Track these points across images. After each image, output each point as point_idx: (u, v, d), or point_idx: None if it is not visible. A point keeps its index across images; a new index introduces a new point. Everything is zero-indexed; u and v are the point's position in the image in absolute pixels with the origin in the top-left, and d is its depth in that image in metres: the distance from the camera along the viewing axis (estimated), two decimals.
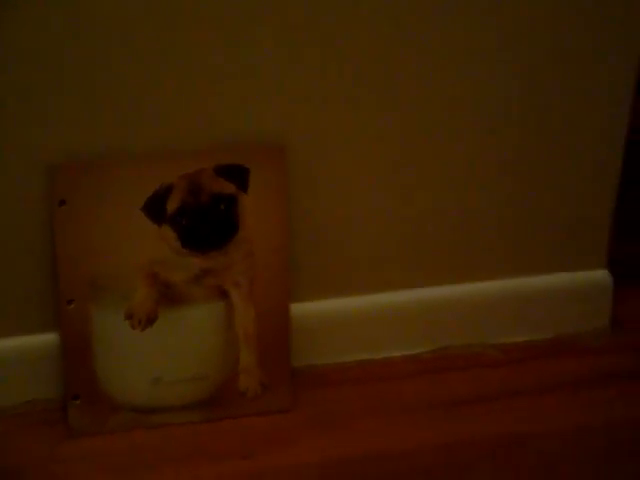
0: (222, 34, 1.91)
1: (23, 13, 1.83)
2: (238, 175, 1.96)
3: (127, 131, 1.93)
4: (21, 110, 1.89)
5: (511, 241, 2.21)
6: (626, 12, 2.00)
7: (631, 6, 1.99)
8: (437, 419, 2.11)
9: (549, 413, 2.14)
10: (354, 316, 2.19)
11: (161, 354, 2.05)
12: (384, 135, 2.05)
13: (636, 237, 2.54)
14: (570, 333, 2.28)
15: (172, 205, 1.96)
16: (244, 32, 1.92)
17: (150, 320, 2.01)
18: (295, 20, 1.90)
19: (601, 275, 2.25)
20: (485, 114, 2.09)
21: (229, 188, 1.97)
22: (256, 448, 2.03)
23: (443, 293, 2.23)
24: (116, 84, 1.89)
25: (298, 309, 2.10)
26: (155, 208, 1.95)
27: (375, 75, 2.00)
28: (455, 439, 2.06)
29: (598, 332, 2.28)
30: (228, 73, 1.95)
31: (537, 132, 2.10)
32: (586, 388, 2.20)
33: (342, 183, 2.08)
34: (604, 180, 2.19)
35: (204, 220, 1.99)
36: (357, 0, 1.91)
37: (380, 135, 2.05)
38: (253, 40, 1.94)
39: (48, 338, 2.03)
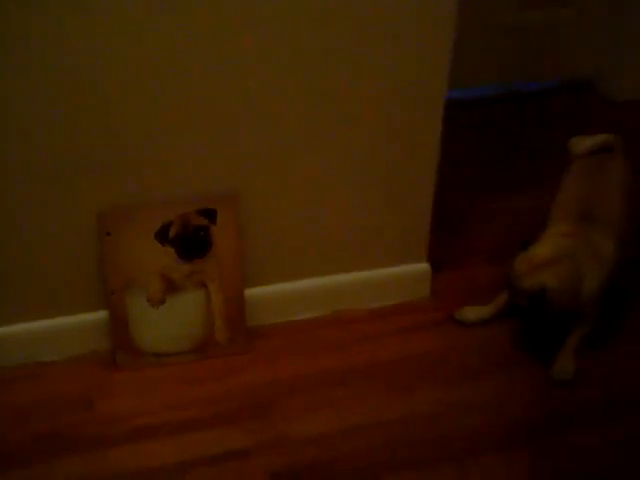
0: (191, 127, 2.05)
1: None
2: (210, 214, 2.16)
3: (146, 189, 2.11)
4: (81, 177, 2.04)
5: (370, 247, 2.37)
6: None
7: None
8: (335, 354, 2.30)
9: (398, 346, 2.32)
10: (284, 294, 2.36)
11: (169, 322, 2.23)
12: (294, 185, 2.20)
13: (447, 236, 2.65)
14: (407, 301, 2.47)
15: (172, 233, 2.15)
16: (206, 124, 2.06)
17: (161, 302, 2.20)
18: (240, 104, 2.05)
19: (424, 266, 2.47)
20: (351, 168, 2.23)
21: (205, 222, 2.15)
22: (225, 375, 2.23)
23: (334, 279, 2.39)
24: (142, 162, 2.06)
25: (250, 292, 2.28)
26: (162, 235, 2.15)
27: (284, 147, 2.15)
28: (346, 365, 2.26)
29: (423, 299, 2.48)
30: (205, 155, 2.09)
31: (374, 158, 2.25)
32: (418, 332, 2.38)
33: (271, 216, 2.23)
34: (423, 205, 2.34)
35: (191, 242, 2.16)
36: (284, 77, 2.05)
37: (290, 185, 2.20)
38: (214, 128, 2.07)
39: (103, 314, 2.23)
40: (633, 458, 2.03)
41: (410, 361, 2.27)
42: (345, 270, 2.37)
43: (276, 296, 2.34)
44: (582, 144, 2.31)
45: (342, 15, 2.00)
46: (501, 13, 3.43)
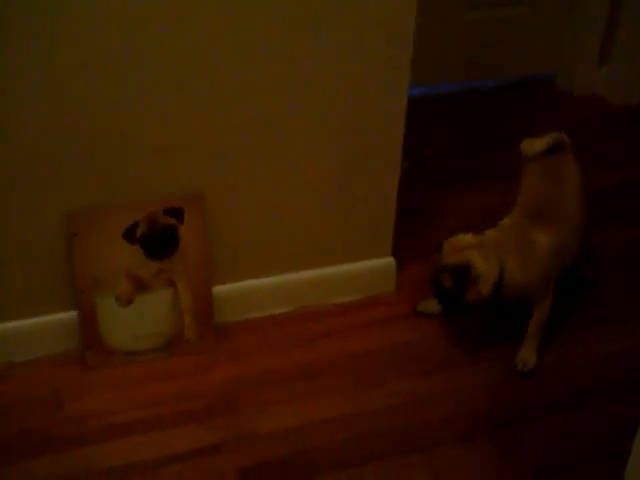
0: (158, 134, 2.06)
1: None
2: (177, 213, 2.16)
3: (113, 190, 2.10)
4: (51, 180, 2.03)
5: (336, 242, 2.38)
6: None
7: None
8: (302, 349, 2.30)
9: (364, 340, 2.32)
10: (251, 291, 2.35)
11: (138, 320, 2.22)
12: (259, 184, 2.20)
13: (411, 230, 2.66)
14: (373, 295, 2.47)
15: (139, 233, 2.14)
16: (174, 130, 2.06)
17: (130, 301, 2.19)
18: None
19: (389, 261, 2.47)
20: (314, 166, 2.24)
21: (172, 221, 2.15)
22: (194, 373, 2.22)
23: (301, 275, 2.38)
24: (110, 163, 2.05)
25: (217, 289, 2.28)
26: (130, 235, 2.14)
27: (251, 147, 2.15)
28: (312, 359, 2.26)
29: (389, 293, 2.48)
30: (173, 155, 2.09)
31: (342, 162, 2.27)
32: (383, 325, 2.38)
33: (237, 214, 2.23)
34: (387, 200, 2.35)
35: (158, 241, 2.15)
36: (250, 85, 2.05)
37: (255, 184, 2.20)
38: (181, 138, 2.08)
39: (72, 314, 2.21)
40: (597, 447, 2.04)
41: (376, 354, 2.27)
42: (311, 266, 2.37)
43: (243, 293, 2.33)
44: (533, 146, 2.32)
45: (302, 14, 1.99)
46: (459, 11, 3.43)
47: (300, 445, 2.01)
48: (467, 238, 2.18)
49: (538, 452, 2.03)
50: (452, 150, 3.23)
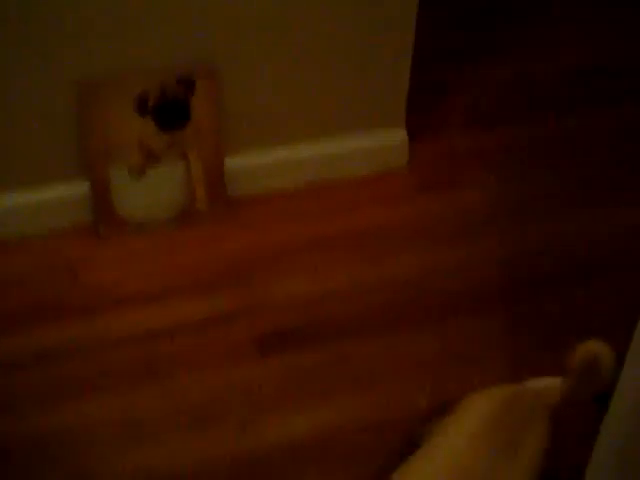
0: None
1: None
2: (189, 84, 2.14)
3: (123, 57, 2.07)
4: (63, 49, 2.00)
5: (351, 112, 2.34)
6: None
7: None
8: (314, 222, 2.29)
9: (375, 214, 2.31)
10: (262, 164, 2.34)
11: (150, 192, 2.23)
12: (270, 53, 2.18)
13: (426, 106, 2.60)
14: (386, 169, 2.45)
15: (150, 103, 2.12)
16: None
17: (142, 172, 2.19)
18: None
19: (401, 134, 2.45)
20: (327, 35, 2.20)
21: (184, 92, 2.13)
22: (206, 244, 2.23)
23: (313, 148, 2.36)
24: (120, 32, 2.02)
25: (230, 163, 2.28)
26: (141, 106, 2.13)
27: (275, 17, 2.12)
28: (324, 232, 2.25)
29: (401, 168, 2.45)
30: (184, 25, 2.06)
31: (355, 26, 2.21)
32: (396, 199, 2.38)
33: (248, 84, 2.20)
34: (401, 68, 2.31)
35: (170, 113, 2.15)
36: None
37: (267, 53, 2.17)
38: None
39: (84, 186, 2.20)
40: (611, 317, 2.01)
41: (387, 228, 2.28)
42: (324, 135, 2.33)
43: (256, 166, 2.33)
44: None
45: None
46: None
47: (314, 315, 2.03)
48: None
49: (553, 323, 2.03)
50: (472, 22, 3.11)
